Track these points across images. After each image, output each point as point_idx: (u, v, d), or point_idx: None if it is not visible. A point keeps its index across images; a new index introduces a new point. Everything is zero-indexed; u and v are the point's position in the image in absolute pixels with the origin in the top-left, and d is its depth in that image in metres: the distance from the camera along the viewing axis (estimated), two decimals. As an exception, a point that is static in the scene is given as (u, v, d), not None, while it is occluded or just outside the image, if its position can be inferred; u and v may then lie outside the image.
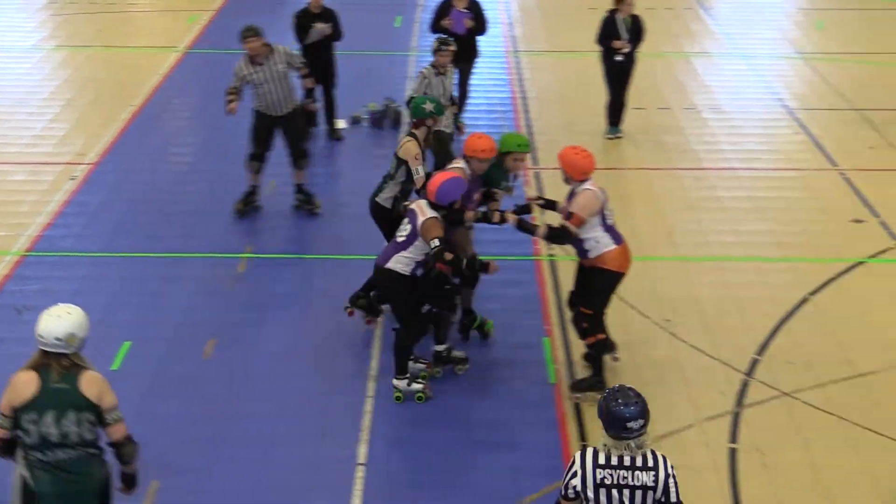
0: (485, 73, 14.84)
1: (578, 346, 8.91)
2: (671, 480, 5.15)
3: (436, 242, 7.85)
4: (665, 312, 9.51)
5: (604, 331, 8.36)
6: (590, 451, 5.18)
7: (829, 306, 9.75)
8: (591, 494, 5.15)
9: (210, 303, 9.81)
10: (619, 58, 13.07)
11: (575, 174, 8.10)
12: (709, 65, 16.62)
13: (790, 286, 10.06)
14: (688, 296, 9.89)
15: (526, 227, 8.27)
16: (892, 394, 8.49)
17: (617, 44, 12.97)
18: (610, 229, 8.15)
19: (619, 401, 5.09)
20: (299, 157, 11.34)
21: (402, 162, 8.97)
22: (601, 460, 5.13)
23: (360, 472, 7.61)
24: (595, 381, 8.44)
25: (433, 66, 11.09)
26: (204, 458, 7.74)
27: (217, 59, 16.09)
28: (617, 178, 12.35)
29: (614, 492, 5.11)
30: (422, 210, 8.05)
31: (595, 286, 8.26)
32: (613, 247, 8.13)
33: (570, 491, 5.20)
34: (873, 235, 11.05)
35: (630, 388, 5.19)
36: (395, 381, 8.40)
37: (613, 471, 5.11)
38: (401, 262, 8.07)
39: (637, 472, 5.09)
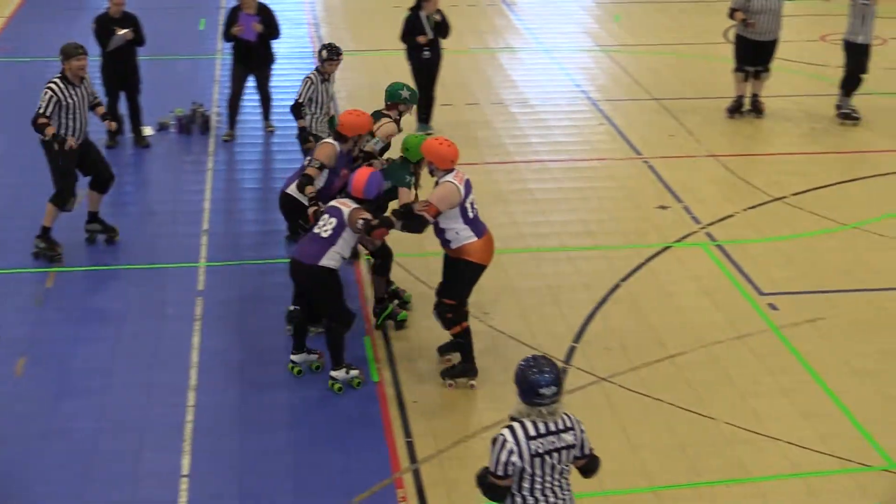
0: (293, 73, 14.74)
1: (399, 344, 8.97)
2: (584, 435, 5.56)
3: (360, 223, 8.11)
4: (484, 305, 9.64)
5: (466, 318, 8.53)
6: (518, 428, 5.41)
7: (639, 291, 10.05)
8: (527, 467, 5.42)
9: (18, 320, 9.48)
10: (425, 54, 13.20)
11: (439, 163, 8.30)
12: (514, 60, 16.92)
13: (602, 273, 10.33)
14: (504, 287, 10.04)
15: (384, 221, 8.36)
16: (699, 372, 8.82)
17: (421, 39, 13.12)
18: (472, 222, 8.32)
19: (534, 369, 5.40)
20: (109, 179, 10.69)
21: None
22: (531, 432, 5.40)
23: (184, 484, 7.47)
24: (466, 368, 8.61)
25: (319, 71, 10.97)
26: (19, 478, 7.47)
27: (10, 67, 15.54)
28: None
29: (546, 457, 5.43)
30: (345, 204, 8.25)
31: (456, 277, 8.42)
32: (474, 239, 8.31)
33: (509, 468, 5.41)
34: (678, 221, 11.44)
35: (543, 357, 5.50)
36: (333, 373, 8.49)
37: (544, 439, 5.41)
38: (332, 259, 8.18)
39: (562, 435, 5.44)
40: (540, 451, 5.42)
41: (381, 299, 9.39)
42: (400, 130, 9.93)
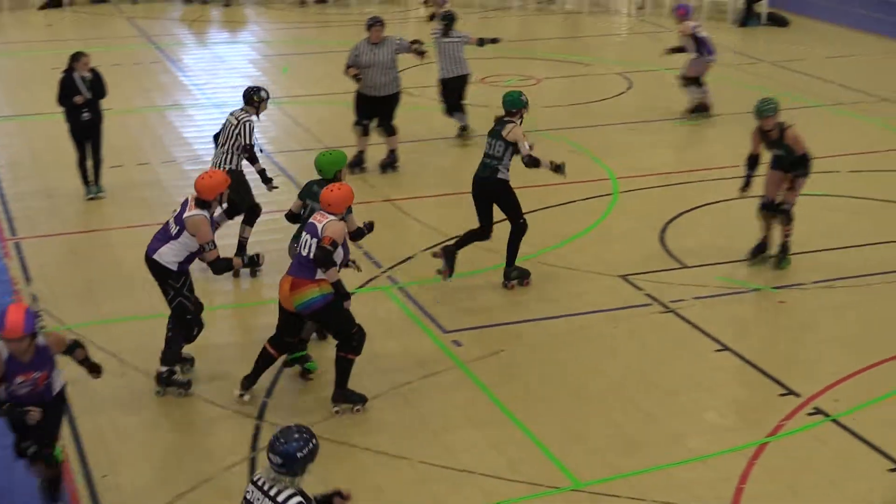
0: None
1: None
2: None
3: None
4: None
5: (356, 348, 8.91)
6: (259, 470, 5.82)
7: (328, 339, 10.08)
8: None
9: None
10: (84, 115, 12.89)
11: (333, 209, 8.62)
12: (183, 117, 16.73)
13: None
14: (196, 349, 9.86)
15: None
16: (392, 414, 8.93)
17: (78, 99, 12.81)
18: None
19: (276, 436, 5.68)
20: None
21: (509, 144, 10.65)
22: (256, 479, 5.71)
23: None
24: (351, 394, 8.96)
25: (257, 114, 11.38)
26: None
27: None
28: (103, 239, 12.12)
29: None
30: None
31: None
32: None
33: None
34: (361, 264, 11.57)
35: (297, 429, 5.73)
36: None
37: (257, 490, 5.66)
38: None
39: (266, 500, 5.61)
40: (248, 497, 5.69)
41: (303, 340, 9.41)
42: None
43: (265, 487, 5.64)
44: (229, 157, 11.16)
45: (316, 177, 9.68)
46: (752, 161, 11.50)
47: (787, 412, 8.98)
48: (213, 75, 19.07)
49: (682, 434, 8.72)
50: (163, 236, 8.95)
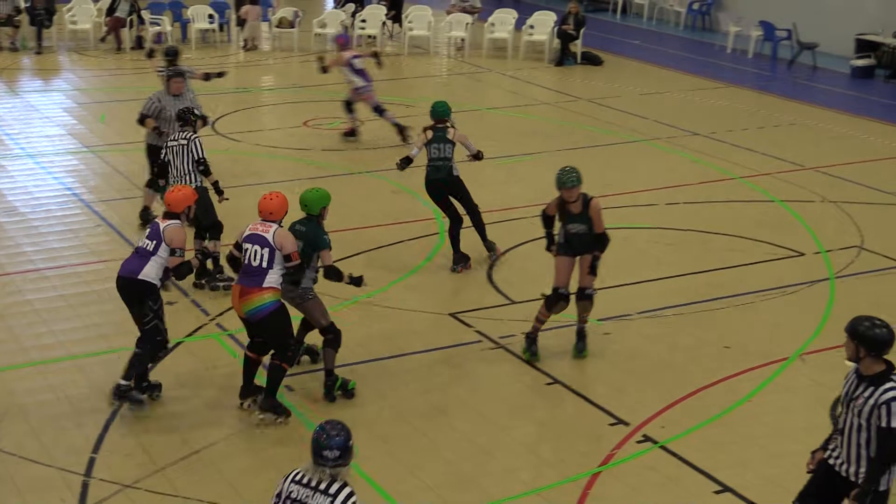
0: None
1: None
2: None
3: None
4: (-10, 429, 9.09)
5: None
6: (293, 471, 5.98)
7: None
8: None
9: None
10: None
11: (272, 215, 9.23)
12: (-3, 168, 16.22)
13: (108, 379, 10.00)
14: (10, 407, 9.53)
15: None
16: (228, 462, 8.81)
17: None
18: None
19: (323, 432, 5.91)
20: None
21: (454, 144, 12.44)
22: (297, 478, 5.93)
23: None
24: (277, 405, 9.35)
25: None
26: None
27: None
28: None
29: None
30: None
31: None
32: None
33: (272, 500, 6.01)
34: (188, 314, 11.40)
35: (338, 423, 5.98)
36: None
37: (302, 488, 5.89)
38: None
39: (317, 494, 5.84)
40: (293, 496, 5.91)
41: (330, 371, 9.71)
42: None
43: (312, 483, 5.89)
44: (187, 176, 11.75)
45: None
46: (548, 220, 10.46)
47: (618, 441, 9.18)
48: (26, 125, 18.55)
49: (515, 467, 8.83)
50: (142, 255, 9.42)
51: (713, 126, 19.22)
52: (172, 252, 9.40)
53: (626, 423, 9.45)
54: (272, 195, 9.38)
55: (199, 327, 11.16)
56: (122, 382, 9.42)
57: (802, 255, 13.29)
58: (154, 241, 9.45)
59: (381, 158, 16.74)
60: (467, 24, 25.55)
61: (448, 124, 12.64)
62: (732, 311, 11.74)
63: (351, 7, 26.57)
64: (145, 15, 25.16)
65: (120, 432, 9.20)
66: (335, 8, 27.32)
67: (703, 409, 9.75)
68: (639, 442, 9.19)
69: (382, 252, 13.21)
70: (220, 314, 11.41)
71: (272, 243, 9.09)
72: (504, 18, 25.71)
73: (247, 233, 9.24)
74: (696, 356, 10.73)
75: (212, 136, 17.75)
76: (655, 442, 9.17)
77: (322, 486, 5.86)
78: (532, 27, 25.36)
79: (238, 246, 9.32)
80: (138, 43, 24.95)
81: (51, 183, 15.53)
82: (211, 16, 25.83)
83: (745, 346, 10.94)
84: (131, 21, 24.93)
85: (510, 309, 11.69)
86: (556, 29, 24.96)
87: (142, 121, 13.71)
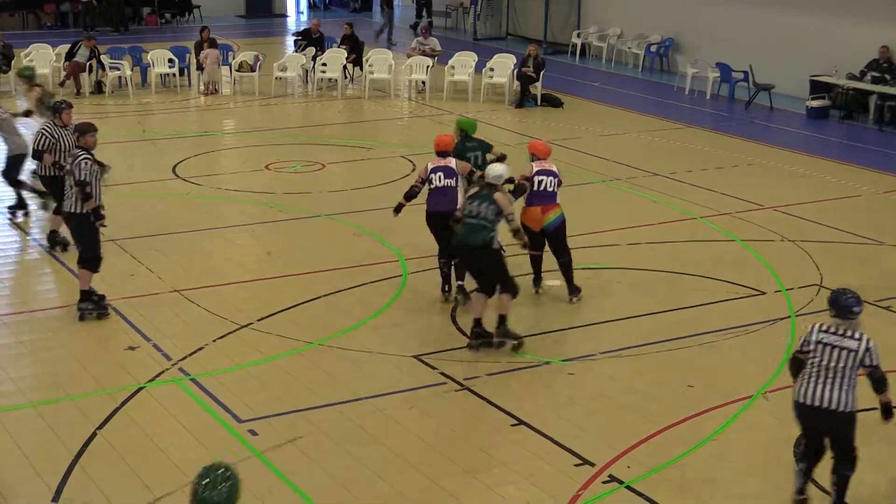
0: None
1: None
2: (870, 348, 8.25)
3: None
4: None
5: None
6: (817, 324, 8.46)
7: (118, 437, 9.77)
8: (812, 347, 8.41)
9: None
10: None
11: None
12: (-46, 213, 16.07)
13: (77, 424, 9.93)
14: None
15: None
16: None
17: None
18: None
19: (846, 296, 8.40)
20: None
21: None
22: (825, 328, 8.38)
23: None
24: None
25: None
26: None
27: None
28: None
29: (828, 349, 8.30)
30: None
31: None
32: None
33: (804, 346, 8.45)
34: (148, 360, 11.31)
35: (850, 290, 8.50)
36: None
37: (831, 335, 8.31)
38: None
39: (846, 339, 8.25)
40: (825, 341, 8.28)
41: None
42: None
43: (839, 332, 8.27)
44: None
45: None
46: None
47: (583, 482, 9.16)
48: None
49: (482, 510, 8.78)
50: None
51: (673, 166, 19.38)
52: None
53: (592, 464, 9.43)
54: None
55: (161, 372, 11.05)
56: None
57: (763, 293, 13.38)
58: None
59: (348, 201, 16.73)
60: (428, 66, 25.69)
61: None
62: (695, 350, 11.78)
63: (311, 51, 26.65)
64: (105, 59, 25.12)
65: (80, 481, 9.08)
66: (296, 52, 27.40)
67: (668, 448, 9.75)
68: (605, 482, 9.17)
69: (343, 296, 13.16)
70: (183, 358, 11.32)
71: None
72: (464, 61, 25.89)
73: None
74: (660, 395, 10.74)
75: (173, 181, 17.73)
76: (621, 482, 9.16)
77: (847, 333, 8.33)
78: (492, 70, 25.53)
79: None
80: (98, 88, 24.88)
81: (8, 231, 15.41)
82: (171, 60, 25.83)
83: (709, 384, 10.98)
84: (90, 66, 24.88)
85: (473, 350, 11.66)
86: (516, 71, 25.15)
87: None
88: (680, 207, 16.88)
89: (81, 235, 12.17)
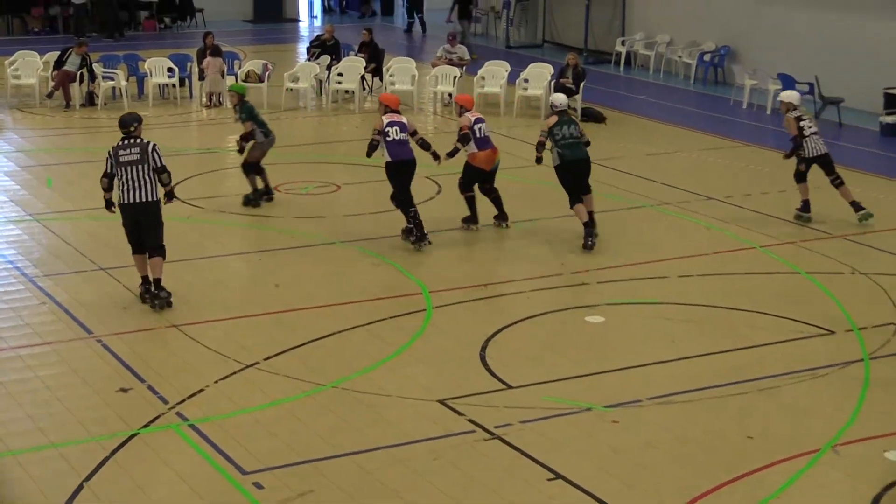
0: None
1: None
2: None
3: None
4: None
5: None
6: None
7: (108, 489, 9.75)
8: None
9: None
10: None
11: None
12: (-71, 238, 16.17)
13: (61, 475, 9.92)
14: None
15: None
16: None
17: None
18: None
19: None
20: None
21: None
22: None
23: None
24: None
25: None
26: None
27: None
28: None
29: None
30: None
31: None
32: None
33: None
34: (143, 403, 11.30)
35: None
36: None
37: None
38: None
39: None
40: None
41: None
42: None
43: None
44: None
45: None
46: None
47: (630, 544, 9.07)
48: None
49: (516, 575, 8.70)
50: None
51: (729, 189, 19.31)
52: None
53: (639, 524, 9.35)
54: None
55: (157, 417, 11.04)
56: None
57: (832, 332, 13.27)
58: None
59: (366, 227, 16.73)
60: (455, 77, 25.74)
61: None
62: (755, 396, 11.69)
63: (326, 59, 26.74)
64: (97, 68, 25.28)
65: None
66: (308, 60, 27.51)
67: (729, 502, 9.67)
68: (652, 545, 9.08)
69: (360, 332, 13.13)
70: (181, 402, 11.30)
71: None
72: (495, 71, 25.92)
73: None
74: (716, 447, 10.64)
75: (171, 203, 17.71)
76: (671, 545, 9.07)
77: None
78: (527, 81, 25.55)
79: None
80: (89, 100, 25.04)
81: (-11, 256, 15.53)
82: (170, 69, 25.96)
83: (771, 436, 10.88)
84: (81, 75, 25.05)
85: (506, 395, 11.61)
86: (553, 83, 25.15)
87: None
88: (737, 235, 16.81)
89: (160, 223, 13.61)
